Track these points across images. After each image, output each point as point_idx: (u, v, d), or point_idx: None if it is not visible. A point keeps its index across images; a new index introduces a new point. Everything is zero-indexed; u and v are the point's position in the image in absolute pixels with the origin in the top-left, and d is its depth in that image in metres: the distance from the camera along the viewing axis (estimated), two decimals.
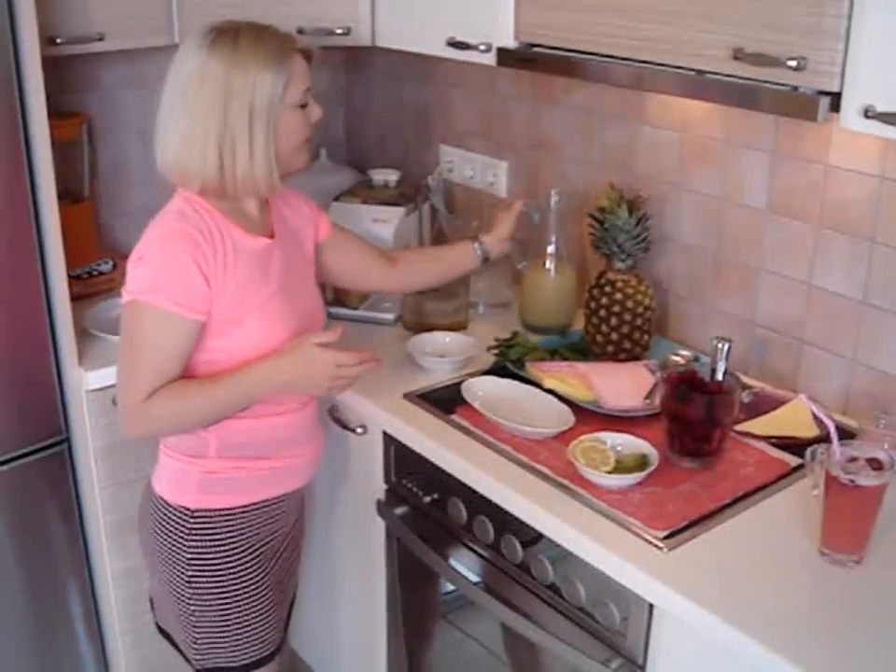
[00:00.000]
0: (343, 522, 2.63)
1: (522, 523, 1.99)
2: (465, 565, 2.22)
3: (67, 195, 2.73)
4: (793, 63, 1.72)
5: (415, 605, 2.52)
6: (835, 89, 1.71)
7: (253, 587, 2.18)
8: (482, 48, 2.34)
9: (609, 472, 1.97)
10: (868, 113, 1.67)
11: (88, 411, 2.49)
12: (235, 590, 2.16)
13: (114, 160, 3.01)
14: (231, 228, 2.01)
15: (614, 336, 2.42)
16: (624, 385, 2.27)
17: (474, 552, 2.19)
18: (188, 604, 2.16)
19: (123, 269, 2.80)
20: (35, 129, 2.27)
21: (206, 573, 2.13)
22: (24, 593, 2.60)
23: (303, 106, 2.02)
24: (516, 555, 2.06)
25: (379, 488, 2.42)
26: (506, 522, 2.05)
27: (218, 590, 2.15)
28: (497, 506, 2.04)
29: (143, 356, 1.95)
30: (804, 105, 1.75)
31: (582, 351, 2.49)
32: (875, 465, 1.74)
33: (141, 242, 1.98)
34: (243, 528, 2.15)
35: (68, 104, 2.84)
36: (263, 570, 2.20)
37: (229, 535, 2.13)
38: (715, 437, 2.04)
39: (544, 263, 2.65)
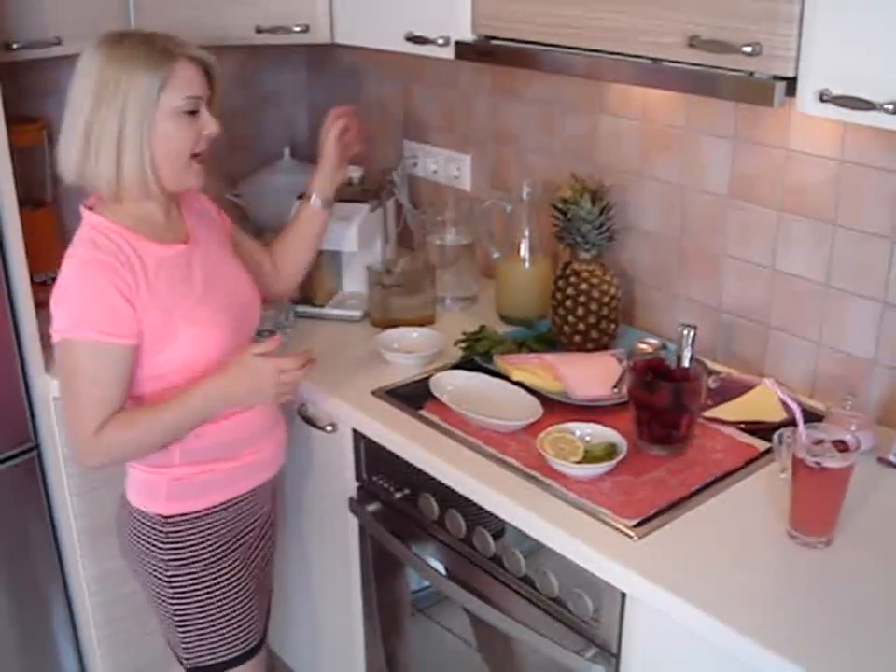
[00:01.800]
0: (316, 520, 2.63)
1: (493, 516, 2.00)
2: (438, 559, 2.22)
3: (29, 201, 2.71)
4: (748, 49, 1.73)
5: (391, 600, 2.52)
6: (791, 73, 1.72)
7: (234, 581, 2.21)
8: (440, 41, 2.33)
9: (578, 462, 1.97)
10: (823, 97, 1.68)
11: (56, 418, 2.47)
12: (216, 586, 2.18)
13: None
14: (143, 243, 1.98)
15: (581, 326, 2.43)
16: (592, 374, 2.27)
17: (447, 546, 2.19)
18: (170, 604, 2.18)
19: None
20: None
21: (186, 573, 2.15)
22: (0, 600, 2.59)
23: (191, 114, 1.97)
24: (488, 548, 2.06)
25: (350, 486, 2.41)
26: (477, 515, 2.05)
27: (200, 588, 2.17)
28: (467, 500, 2.04)
29: (84, 391, 1.94)
30: (760, 91, 1.75)
31: (550, 342, 2.49)
32: (842, 447, 1.75)
33: (59, 278, 1.96)
34: (218, 526, 2.17)
35: (27, 109, 2.81)
36: (242, 564, 2.23)
37: (204, 534, 2.15)
38: (683, 424, 2.05)
39: (518, 254, 2.66)
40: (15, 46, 2.42)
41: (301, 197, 2.53)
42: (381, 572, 2.46)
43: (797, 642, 1.56)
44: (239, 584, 2.22)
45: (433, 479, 2.12)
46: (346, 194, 2.80)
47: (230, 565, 2.20)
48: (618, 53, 1.97)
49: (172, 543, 2.13)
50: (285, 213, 2.67)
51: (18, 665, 2.67)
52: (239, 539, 2.22)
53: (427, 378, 2.32)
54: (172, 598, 2.17)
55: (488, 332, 2.48)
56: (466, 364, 2.42)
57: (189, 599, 2.17)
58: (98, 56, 1.90)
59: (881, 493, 1.95)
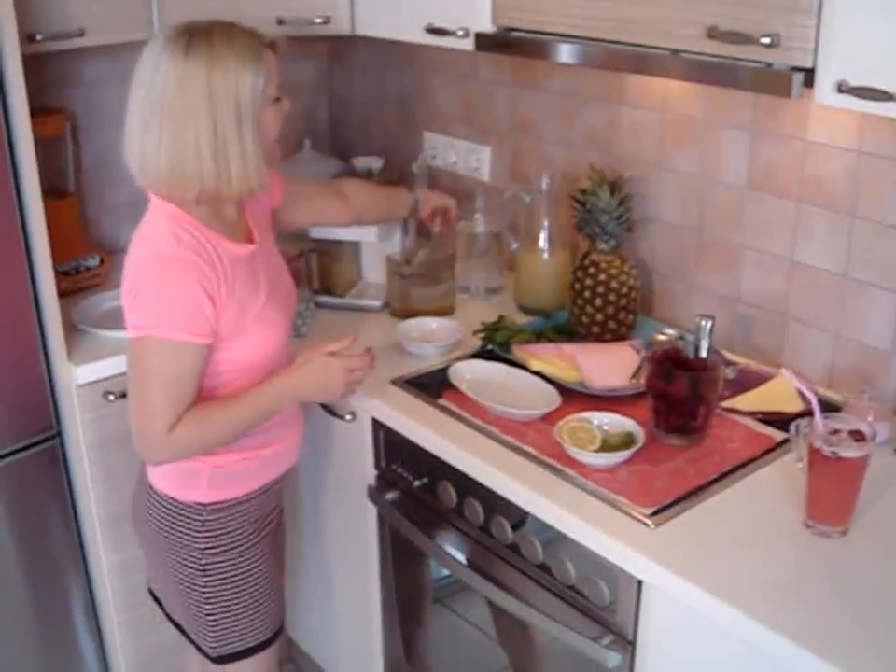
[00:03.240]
0: (335, 508, 2.65)
1: (511, 504, 2.01)
2: (456, 547, 2.24)
3: (52, 191, 2.74)
4: (767, 40, 1.74)
5: (409, 588, 2.54)
6: (809, 64, 1.72)
7: (263, 566, 2.24)
8: (460, 33, 2.34)
9: (596, 451, 1.99)
10: (842, 88, 1.69)
11: (78, 406, 2.49)
12: (248, 571, 2.21)
13: (98, 154, 3.02)
14: (220, 241, 1.97)
15: (599, 317, 2.44)
16: (610, 364, 2.28)
17: (465, 534, 2.20)
18: (201, 592, 2.19)
19: (110, 263, 2.86)
20: (17, 126, 2.27)
21: (221, 560, 2.17)
22: (22, 587, 2.61)
23: (277, 100, 1.99)
24: (506, 536, 2.07)
25: (369, 474, 2.43)
26: (495, 503, 2.06)
27: (234, 574, 2.19)
28: (486, 488, 2.06)
29: (161, 389, 1.93)
30: (778, 82, 1.76)
31: (568, 332, 2.51)
32: (858, 437, 1.76)
33: (134, 270, 1.95)
34: (253, 512, 2.20)
35: (50, 100, 2.84)
36: (269, 548, 2.27)
37: (241, 521, 2.18)
38: (700, 414, 2.06)
39: (537, 245, 2.67)
40: (38, 37, 2.43)
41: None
42: (399, 560, 2.48)
43: (812, 631, 1.57)
44: (267, 570, 2.25)
45: (451, 467, 2.13)
46: None
47: (260, 550, 2.23)
48: (637, 44, 1.97)
49: (209, 531, 2.14)
50: None
51: (40, 649, 2.70)
52: (267, 525, 2.26)
53: (446, 367, 2.33)
54: (205, 587, 2.18)
55: (507, 322, 2.49)
56: (484, 354, 2.44)
57: (223, 586, 2.19)
58: (195, 63, 1.85)
59: None
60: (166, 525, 2.16)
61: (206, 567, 2.16)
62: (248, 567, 2.20)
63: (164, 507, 2.15)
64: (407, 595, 2.54)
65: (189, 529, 2.14)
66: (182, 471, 2.11)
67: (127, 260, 1.98)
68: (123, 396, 2.39)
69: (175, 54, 1.87)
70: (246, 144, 1.90)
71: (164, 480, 2.15)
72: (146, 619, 2.73)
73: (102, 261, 2.87)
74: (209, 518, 2.13)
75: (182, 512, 2.13)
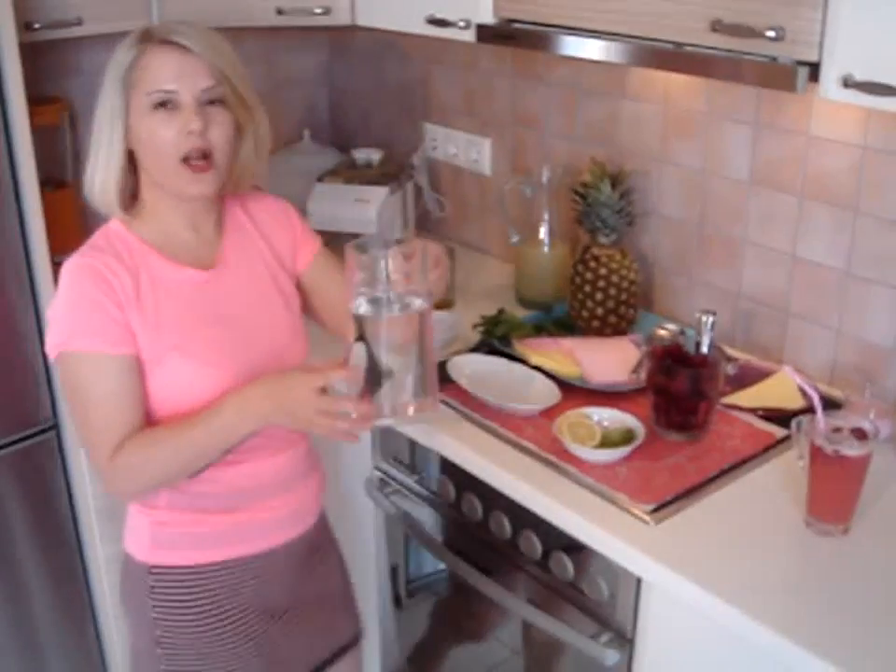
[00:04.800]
0: (333, 504, 2.63)
1: (510, 500, 2.00)
2: (455, 542, 2.22)
3: (50, 181, 2.72)
4: (772, 34, 1.72)
5: (409, 583, 2.53)
6: (814, 58, 1.70)
7: (233, 653, 1.91)
8: (461, 24, 2.33)
9: (596, 447, 1.97)
10: (847, 82, 1.67)
11: None
12: (211, 654, 1.89)
13: None
14: (151, 259, 1.78)
15: (599, 311, 2.42)
16: (610, 359, 2.27)
17: (464, 529, 2.19)
18: (158, 664, 1.90)
19: None
20: (14, 116, 2.26)
21: (175, 634, 1.88)
22: (19, 579, 2.61)
23: (165, 108, 1.72)
24: (505, 532, 2.06)
25: (367, 469, 2.42)
26: (494, 499, 2.05)
27: (191, 653, 1.89)
28: (484, 484, 2.04)
29: (92, 409, 1.73)
30: (783, 76, 1.74)
31: (568, 326, 2.49)
32: (860, 435, 1.75)
33: (58, 286, 1.79)
34: (213, 588, 1.87)
35: (48, 89, 2.82)
36: (247, 635, 1.91)
37: (196, 595, 1.86)
38: (701, 410, 2.05)
39: (538, 238, 2.66)
40: (36, 26, 2.42)
41: None
42: (399, 555, 2.47)
43: (812, 630, 1.56)
44: (241, 658, 1.91)
45: (450, 463, 2.12)
46: (366, 177, 2.80)
47: (230, 634, 1.89)
48: (640, 37, 1.96)
49: (158, 599, 1.86)
50: (304, 195, 2.68)
51: (37, 641, 2.69)
52: (245, 608, 1.90)
53: (445, 362, 2.31)
54: (160, 659, 1.89)
55: (507, 316, 2.47)
56: (483, 348, 2.42)
57: (179, 665, 1.90)
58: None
59: None
60: (123, 581, 1.96)
61: (160, 640, 1.87)
62: (209, 651, 1.89)
63: (124, 559, 1.94)
64: (407, 588, 2.53)
65: (140, 591, 1.88)
66: (129, 520, 1.92)
67: None
68: None
69: None
70: (101, 149, 1.75)
71: (125, 527, 1.94)
72: None
73: None
74: (155, 584, 1.86)
75: (132, 570, 1.91)
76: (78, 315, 1.72)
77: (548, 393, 2.20)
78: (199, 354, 1.77)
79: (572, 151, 2.75)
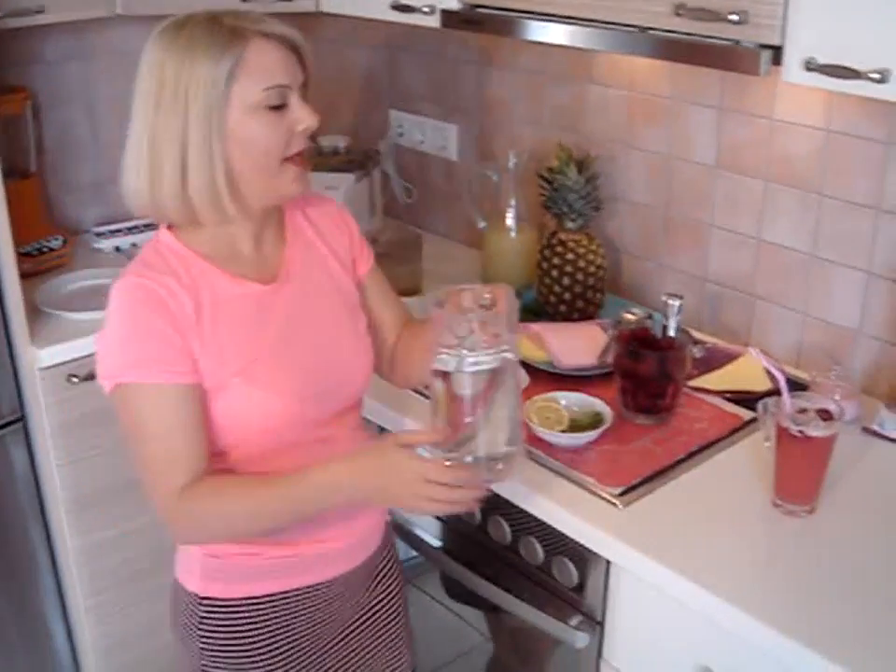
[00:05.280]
0: None
1: None
2: (425, 529, 2.23)
3: (13, 171, 2.69)
4: (735, 17, 1.72)
5: None
6: (777, 42, 1.71)
7: None
8: (425, 10, 2.32)
9: (564, 431, 1.98)
10: (809, 66, 1.68)
11: (42, 389, 2.45)
12: None
13: (60, 134, 2.97)
14: (210, 274, 1.62)
15: (567, 296, 2.43)
16: (578, 344, 2.27)
17: (434, 517, 2.19)
18: None
19: (74, 245, 2.83)
20: None
21: (222, 667, 1.76)
22: None
23: (276, 108, 1.56)
24: (474, 517, 2.06)
25: None
26: None
27: None
28: None
29: (155, 444, 1.58)
30: (745, 59, 1.75)
31: (536, 311, 2.49)
32: (825, 416, 1.76)
33: (107, 310, 1.59)
34: (266, 620, 1.74)
35: (11, 78, 2.79)
36: (297, 668, 1.79)
37: (245, 627, 1.74)
38: (668, 393, 2.05)
39: (505, 224, 2.66)
40: None
41: None
42: None
43: (779, 609, 1.57)
44: None
45: None
46: (332, 164, 2.79)
47: (279, 666, 1.77)
48: (605, 22, 1.96)
49: (206, 629, 1.73)
50: None
51: (9, 634, 2.67)
52: (298, 638, 1.78)
53: None
54: None
55: None
56: None
57: None
58: (156, 51, 1.54)
59: (865, 462, 1.96)
60: (172, 608, 1.82)
61: (205, 670, 1.77)
62: None
63: (175, 587, 1.81)
64: None
65: (189, 620, 1.75)
66: (181, 552, 1.79)
67: None
68: (88, 378, 2.37)
69: (152, 40, 1.57)
70: (190, 159, 1.53)
71: (177, 556, 1.82)
72: (112, 604, 2.72)
73: (65, 243, 2.83)
74: (204, 615, 1.73)
75: (181, 598, 1.78)
76: (134, 342, 1.56)
77: None
78: (263, 380, 1.62)
79: (539, 137, 2.75)
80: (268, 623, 1.74)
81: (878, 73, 1.58)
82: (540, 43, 2.15)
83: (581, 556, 1.84)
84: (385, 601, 1.91)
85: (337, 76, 3.35)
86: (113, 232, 2.96)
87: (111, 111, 2.92)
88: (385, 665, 1.94)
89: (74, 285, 2.66)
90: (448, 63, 2.97)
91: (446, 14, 2.26)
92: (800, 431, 1.73)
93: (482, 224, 2.73)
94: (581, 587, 1.88)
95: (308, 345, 1.69)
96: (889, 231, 2.09)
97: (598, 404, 2.05)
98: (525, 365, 2.22)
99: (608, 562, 1.80)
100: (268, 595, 1.73)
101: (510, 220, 2.65)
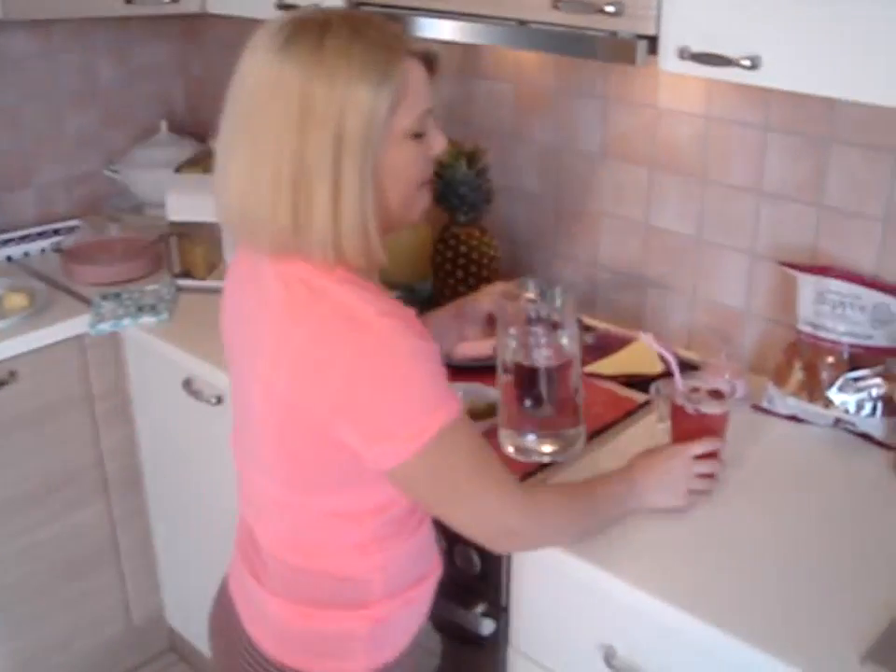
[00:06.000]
0: (207, 493, 2.62)
1: None
2: None
3: None
4: (611, 9, 1.76)
5: None
6: (652, 32, 1.75)
7: None
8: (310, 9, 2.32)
9: None
10: (683, 54, 1.72)
11: None
12: None
13: None
14: None
15: (461, 288, 2.44)
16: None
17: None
18: None
19: None
20: None
21: None
22: None
23: (419, 136, 1.44)
24: None
25: None
26: None
27: None
28: None
29: (488, 464, 1.50)
30: (622, 50, 1.79)
31: (432, 305, 2.50)
32: (717, 395, 1.80)
33: (355, 373, 1.36)
34: (416, 664, 1.73)
35: None
36: None
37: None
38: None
39: None
40: None
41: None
42: None
43: (679, 586, 1.61)
44: None
45: None
46: None
47: None
48: (486, 16, 1.98)
49: None
50: (163, 187, 2.66)
51: None
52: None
53: None
54: None
55: None
56: None
57: None
58: (292, 66, 1.36)
59: (757, 439, 2.00)
60: None
61: None
62: None
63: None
64: None
65: None
66: (327, 638, 1.60)
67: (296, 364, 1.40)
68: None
69: (270, 50, 1.40)
70: (345, 190, 1.35)
71: (289, 647, 1.61)
72: (23, 616, 2.69)
73: None
74: None
75: None
76: (429, 379, 1.41)
77: None
78: None
79: None
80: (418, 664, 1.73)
81: (749, 59, 1.63)
82: (426, 39, 2.16)
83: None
84: None
85: (226, 78, 3.31)
86: (4, 242, 2.92)
87: None
88: None
89: None
90: None
91: None
92: (696, 409, 1.77)
93: None
94: (484, 575, 1.90)
95: None
96: (769, 213, 2.16)
97: (494, 393, 2.06)
98: None
99: None
100: (417, 633, 1.70)
101: None
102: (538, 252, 2.61)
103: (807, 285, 2.03)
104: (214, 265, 2.77)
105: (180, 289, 2.70)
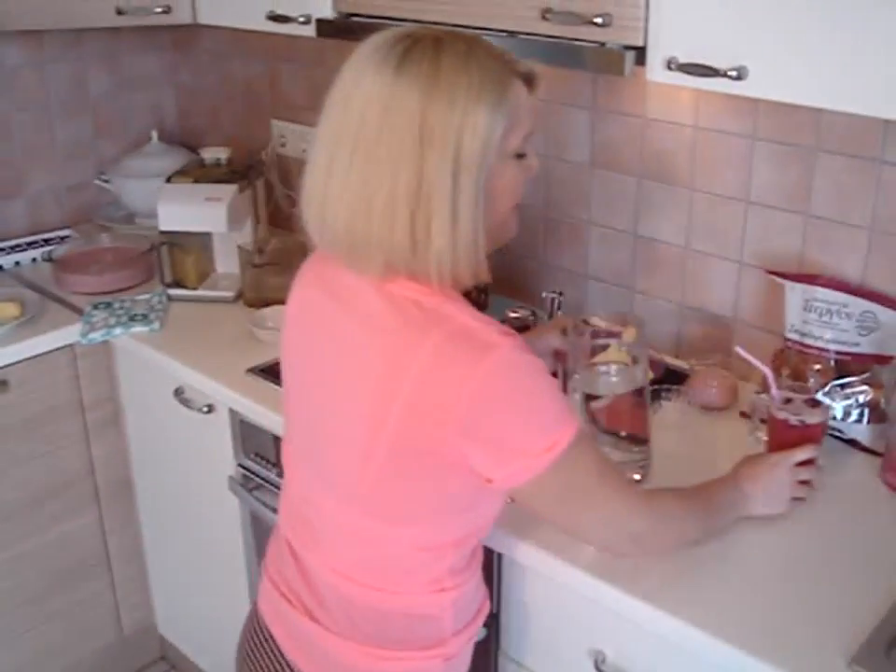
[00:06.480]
0: (198, 503, 2.63)
1: None
2: None
3: None
4: (599, 20, 1.78)
5: None
6: (640, 43, 1.77)
7: None
8: (301, 20, 2.34)
9: None
10: (671, 65, 1.74)
11: None
12: None
13: None
14: None
15: None
16: None
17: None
18: None
19: None
20: None
21: None
22: None
23: (521, 157, 1.45)
24: None
25: (230, 466, 2.42)
26: None
27: None
28: None
29: (611, 475, 1.53)
30: (610, 61, 1.80)
31: None
32: (814, 404, 1.84)
33: (475, 388, 1.33)
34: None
35: None
36: None
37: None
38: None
39: None
40: None
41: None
42: (264, 549, 2.47)
43: (667, 593, 1.61)
44: None
45: None
46: (215, 175, 2.79)
47: None
48: (474, 27, 1.99)
49: None
50: (154, 196, 2.67)
51: None
52: None
53: None
54: None
55: None
56: None
57: None
58: (408, 85, 1.34)
59: (746, 446, 2.01)
60: None
61: None
62: None
63: None
64: None
65: None
66: (412, 621, 1.58)
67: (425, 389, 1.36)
68: None
69: (383, 67, 1.37)
70: (462, 210, 1.35)
71: (369, 652, 1.58)
72: (14, 627, 2.70)
73: None
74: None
75: None
76: (549, 395, 1.42)
77: None
78: None
79: None
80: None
81: (736, 70, 1.65)
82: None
83: None
84: None
85: (218, 88, 3.35)
86: None
87: None
88: None
89: None
90: (328, 73, 2.92)
91: (321, 24, 2.28)
92: (800, 421, 1.80)
93: None
94: None
95: None
96: (756, 221, 2.17)
97: None
98: None
99: (499, 555, 1.82)
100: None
101: None
102: (528, 262, 2.63)
103: (794, 293, 2.05)
104: (205, 274, 2.78)
105: (171, 299, 2.70)
